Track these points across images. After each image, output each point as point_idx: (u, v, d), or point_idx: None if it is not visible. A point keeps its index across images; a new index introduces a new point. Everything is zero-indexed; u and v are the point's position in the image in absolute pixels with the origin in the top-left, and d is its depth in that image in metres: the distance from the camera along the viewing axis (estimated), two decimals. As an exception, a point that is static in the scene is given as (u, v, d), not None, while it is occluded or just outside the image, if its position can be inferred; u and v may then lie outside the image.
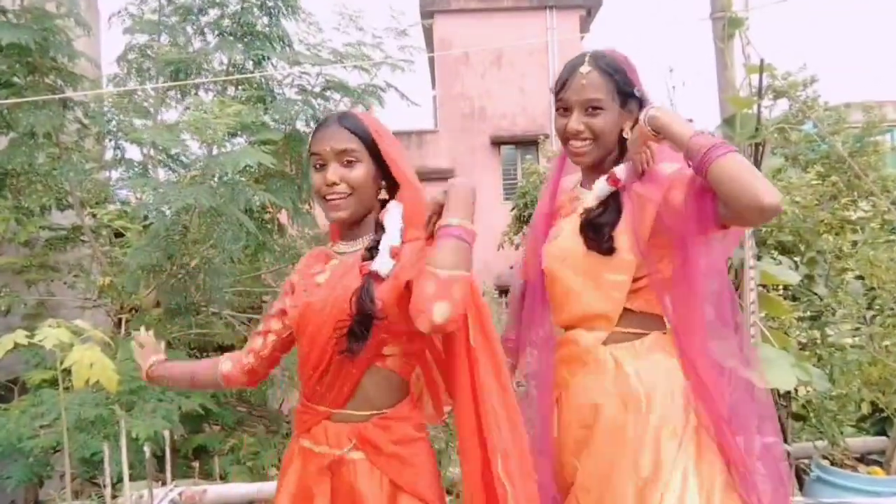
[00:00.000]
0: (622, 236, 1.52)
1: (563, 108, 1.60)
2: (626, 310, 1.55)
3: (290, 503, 1.48)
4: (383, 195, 1.50)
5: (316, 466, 1.45)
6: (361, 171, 1.44)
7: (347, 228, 1.53)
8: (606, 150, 1.58)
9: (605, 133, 1.55)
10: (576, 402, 1.58)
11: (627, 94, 1.56)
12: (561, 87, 1.59)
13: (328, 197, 1.45)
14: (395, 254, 1.40)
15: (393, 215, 1.45)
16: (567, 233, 1.62)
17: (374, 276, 1.39)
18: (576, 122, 1.56)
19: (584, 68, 1.54)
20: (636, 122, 1.52)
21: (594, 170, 1.62)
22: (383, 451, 1.42)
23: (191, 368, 1.76)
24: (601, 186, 1.56)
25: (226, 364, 1.66)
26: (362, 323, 1.37)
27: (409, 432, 1.45)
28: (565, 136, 1.60)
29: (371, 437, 1.42)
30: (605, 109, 1.54)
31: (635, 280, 1.54)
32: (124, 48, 4.77)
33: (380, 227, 1.46)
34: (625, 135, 1.57)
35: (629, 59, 1.60)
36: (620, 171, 1.55)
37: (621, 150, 1.59)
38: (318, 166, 1.46)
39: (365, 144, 1.44)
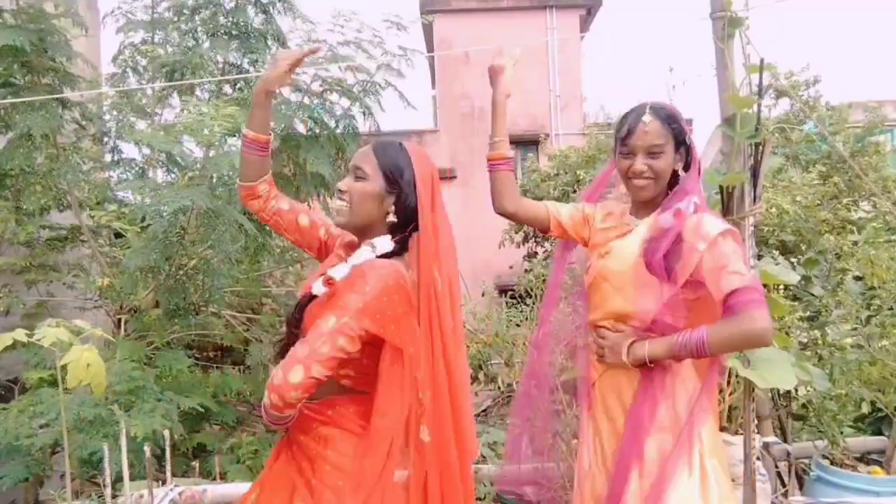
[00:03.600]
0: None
1: (628, 153, 1.86)
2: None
3: None
4: (392, 219, 1.55)
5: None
6: (366, 187, 1.55)
7: (355, 235, 1.64)
8: (662, 187, 1.87)
9: (663, 173, 1.84)
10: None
11: (681, 141, 1.86)
12: (627, 133, 1.84)
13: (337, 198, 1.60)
14: (328, 282, 1.49)
15: (371, 246, 1.52)
16: (622, 252, 1.87)
17: (312, 294, 1.53)
18: (640, 163, 1.84)
19: (647, 118, 1.82)
20: (687, 165, 1.87)
21: (646, 203, 1.90)
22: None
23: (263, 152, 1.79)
24: (666, 219, 1.80)
25: (263, 186, 1.80)
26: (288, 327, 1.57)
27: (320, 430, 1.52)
28: (628, 175, 1.87)
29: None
30: (664, 153, 1.83)
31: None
32: (119, 47, 4.75)
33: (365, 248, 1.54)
34: (680, 173, 1.88)
35: (678, 111, 1.89)
36: (685, 206, 1.78)
37: (669, 186, 1.89)
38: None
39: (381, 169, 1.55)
